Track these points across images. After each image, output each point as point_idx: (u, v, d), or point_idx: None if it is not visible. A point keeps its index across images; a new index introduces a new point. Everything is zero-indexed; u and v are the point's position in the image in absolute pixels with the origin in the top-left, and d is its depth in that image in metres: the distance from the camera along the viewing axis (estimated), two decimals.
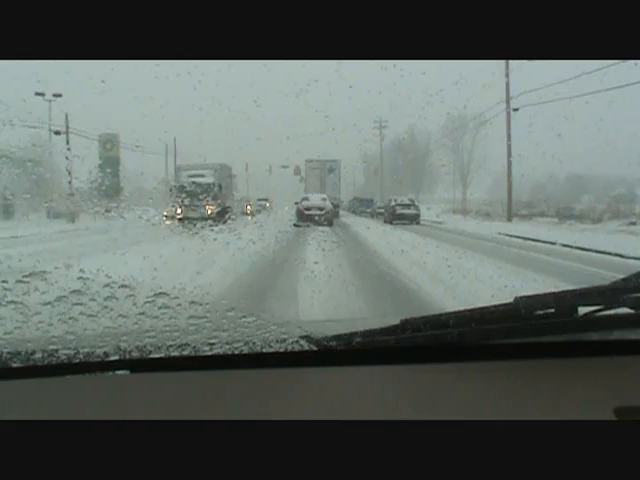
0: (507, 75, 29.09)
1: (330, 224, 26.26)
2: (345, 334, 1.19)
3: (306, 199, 29.52)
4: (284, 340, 1.15)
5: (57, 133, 35.14)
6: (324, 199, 29.68)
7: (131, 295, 1.21)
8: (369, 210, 42.89)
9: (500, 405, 1.06)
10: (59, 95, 35.37)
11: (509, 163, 31.73)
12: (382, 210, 35.27)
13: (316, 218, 26.49)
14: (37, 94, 35.10)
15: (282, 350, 1.15)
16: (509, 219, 31.49)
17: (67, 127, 34.94)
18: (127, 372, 1.11)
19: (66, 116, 34.72)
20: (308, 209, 27.62)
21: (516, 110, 29.93)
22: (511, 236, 19.00)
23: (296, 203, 28.39)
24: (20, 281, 1.18)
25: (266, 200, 40.44)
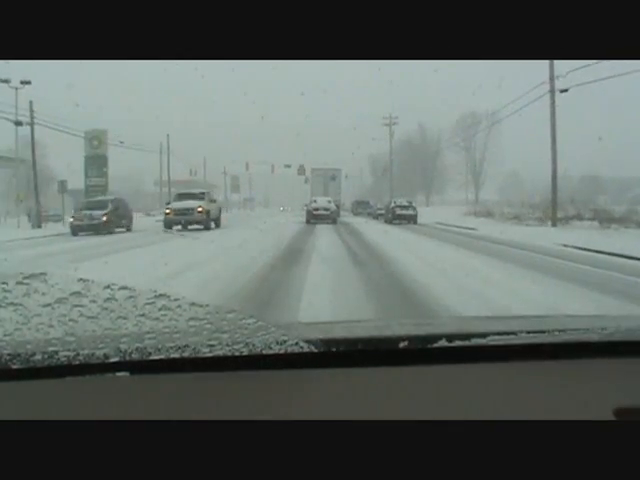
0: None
1: (334, 222, 32.59)
2: (345, 336, 1.19)
3: (314, 201, 36.31)
4: (284, 342, 1.15)
5: (19, 124, 33.60)
6: (329, 201, 36.37)
7: (131, 297, 1.20)
8: (367, 211, 49.91)
9: (500, 406, 1.06)
10: (27, 82, 33.62)
11: (554, 154, 27.63)
12: (383, 211, 38.98)
13: (320, 218, 32.85)
14: (1, 81, 32.82)
15: (282, 352, 1.15)
16: (554, 224, 27.70)
17: (32, 118, 33.28)
18: (127, 374, 1.11)
19: (30, 104, 33.29)
20: (316, 210, 34.57)
21: (565, 91, 26.39)
22: (586, 250, 14.90)
23: (305, 205, 34.98)
24: (20, 283, 1.17)
25: (203, 197, 29.00)
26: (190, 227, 27.24)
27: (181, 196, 30.21)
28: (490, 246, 17.26)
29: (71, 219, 27.42)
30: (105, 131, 43.34)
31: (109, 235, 24.92)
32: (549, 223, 28.37)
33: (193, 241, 19.75)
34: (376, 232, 24.67)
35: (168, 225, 27.09)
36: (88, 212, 26.92)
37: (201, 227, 27.06)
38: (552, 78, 27.09)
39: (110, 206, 27.85)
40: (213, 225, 28.60)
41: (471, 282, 9.09)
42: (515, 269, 11.28)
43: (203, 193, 30.18)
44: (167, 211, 28.13)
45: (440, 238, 21.17)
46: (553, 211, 28.50)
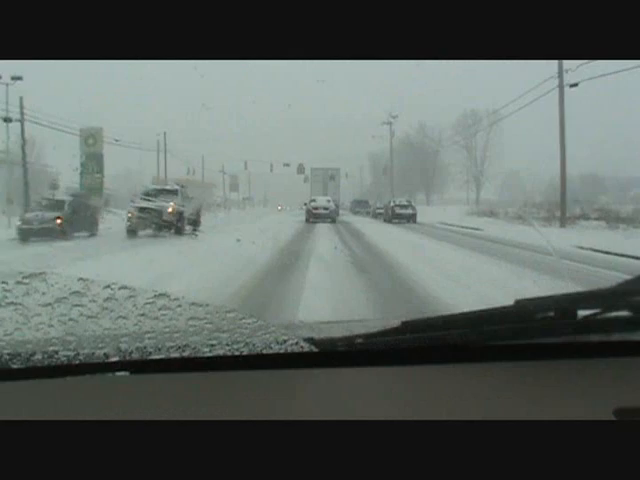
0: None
1: (333, 221, 33.05)
2: (346, 335, 1.19)
3: (314, 201, 36.83)
4: (284, 341, 1.15)
5: (8, 120, 31.90)
6: (329, 200, 37.07)
7: (131, 296, 1.20)
8: (366, 210, 51.13)
9: (500, 406, 1.06)
10: (18, 78, 32.63)
11: (562, 152, 26.82)
12: (382, 210, 39.88)
13: (319, 216, 33.47)
14: None
15: (282, 351, 1.15)
16: (562, 224, 26.70)
17: (22, 114, 31.75)
18: (127, 373, 1.11)
19: (20, 100, 32.12)
20: (316, 209, 35.05)
21: (574, 86, 25.74)
22: (604, 252, 13.93)
23: (305, 204, 35.80)
24: (20, 282, 1.18)
25: (176, 194, 23.98)
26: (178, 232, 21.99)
27: (149, 193, 24.12)
28: (502, 249, 16.27)
29: (19, 222, 22.69)
30: (100, 129, 42.48)
31: (64, 241, 20.39)
32: (556, 223, 27.50)
33: (158, 250, 16.61)
34: (375, 231, 24.65)
35: (131, 230, 21.75)
36: (39, 214, 22.44)
37: (171, 231, 21.85)
38: (561, 73, 26.41)
39: (66, 207, 23.30)
40: (189, 228, 23.28)
41: (490, 292, 7.84)
42: (539, 276, 9.14)
43: (176, 190, 24.68)
44: (129, 213, 22.19)
45: (447, 239, 20.52)
46: (562, 211, 27.61)
